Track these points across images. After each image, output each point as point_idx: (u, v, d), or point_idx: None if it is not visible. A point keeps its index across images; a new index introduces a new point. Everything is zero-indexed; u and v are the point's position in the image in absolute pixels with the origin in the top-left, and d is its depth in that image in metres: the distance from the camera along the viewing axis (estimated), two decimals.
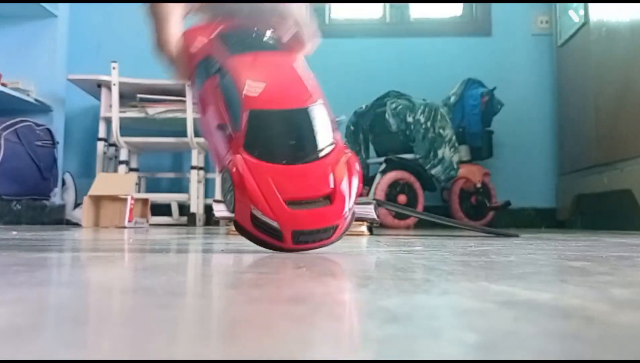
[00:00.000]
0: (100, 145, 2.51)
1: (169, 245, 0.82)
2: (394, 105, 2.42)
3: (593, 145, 2.32)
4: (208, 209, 2.60)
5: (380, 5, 3.09)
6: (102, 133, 2.52)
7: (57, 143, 2.53)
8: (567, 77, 2.65)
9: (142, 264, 0.50)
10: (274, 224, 0.55)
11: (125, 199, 1.96)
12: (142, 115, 2.50)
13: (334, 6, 3.10)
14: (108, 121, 2.50)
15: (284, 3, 0.62)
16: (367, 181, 2.59)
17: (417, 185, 2.39)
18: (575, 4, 2.50)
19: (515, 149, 2.88)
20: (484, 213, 2.59)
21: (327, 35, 3.02)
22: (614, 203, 2.22)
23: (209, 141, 0.62)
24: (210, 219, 2.66)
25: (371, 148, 2.66)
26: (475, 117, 2.54)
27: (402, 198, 2.35)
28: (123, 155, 2.48)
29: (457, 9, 3.08)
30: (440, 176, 2.37)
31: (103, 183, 2.03)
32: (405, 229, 2.20)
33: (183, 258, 0.58)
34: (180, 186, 2.85)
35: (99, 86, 2.51)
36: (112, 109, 2.46)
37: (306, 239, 0.57)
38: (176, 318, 0.23)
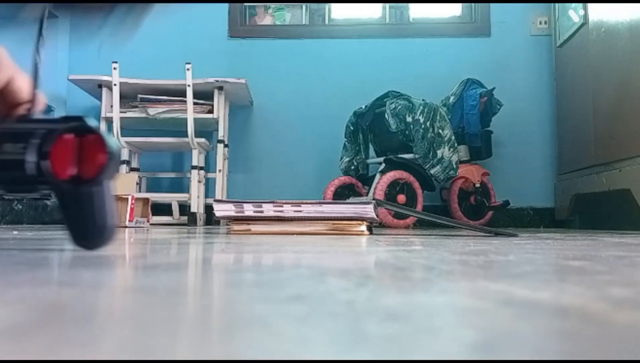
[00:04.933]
0: None
1: (170, 245, 0.82)
2: (393, 105, 2.42)
3: (592, 145, 2.32)
4: (209, 209, 2.60)
5: (380, 5, 3.09)
6: None
7: None
8: (566, 78, 2.65)
9: (143, 263, 0.51)
10: None
11: (126, 199, 1.96)
12: (142, 115, 2.51)
13: (334, 6, 3.11)
14: (109, 121, 2.50)
15: None
16: (366, 180, 2.59)
17: (416, 185, 2.39)
18: (574, 4, 2.50)
19: (514, 149, 2.89)
20: (483, 212, 2.59)
21: (327, 36, 3.02)
22: (612, 203, 2.22)
23: None
24: (210, 218, 2.66)
25: (371, 147, 2.67)
26: (474, 117, 2.54)
27: (401, 198, 2.35)
28: (124, 155, 2.49)
29: (456, 9, 3.08)
30: (440, 176, 2.37)
31: None
32: (404, 228, 2.20)
33: (184, 258, 0.58)
34: (180, 185, 2.86)
35: (100, 86, 2.51)
36: (113, 109, 2.46)
37: None
38: (177, 318, 0.24)
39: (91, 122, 0.52)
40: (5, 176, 0.51)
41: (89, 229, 0.53)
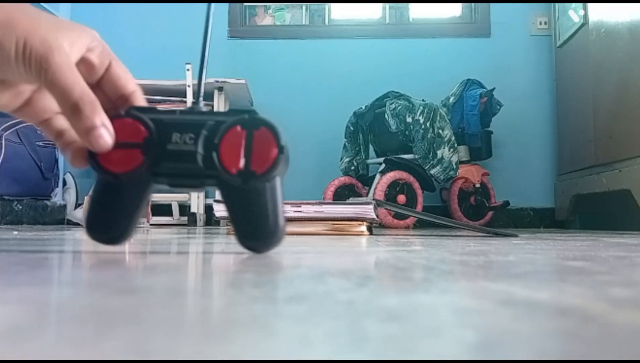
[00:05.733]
0: None
1: (170, 245, 0.82)
2: (393, 105, 2.42)
3: (592, 145, 2.32)
4: (209, 209, 2.60)
5: (380, 5, 3.09)
6: None
7: None
8: (566, 78, 2.65)
9: (143, 264, 0.51)
10: None
11: None
12: None
13: (334, 7, 3.11)
14: None
15: None
16: (366, 181, 2.59)
17: (416, 185, 2.39)
18: (574, 4, 2.50)
19: (514, 149, 2.89)
20: (483, 213, 2.59)
21: (327, 36, 3.02)
22: (612, 203, 2.22)
23: None
24: (210, 219, 2.66)
25: (371, 148, 2.67)
26: (474, 118, 2.54)
27: (401, 198, 2.35)
28: None
29: (456, 9, 3.08)
30: (440, 176, 2.37)
31: None
32: (404, 229, 2.20)
33: (183, 258, 0.58)
34: None
35: None
36: None
37: None
38: (176, 318, 0.24)
39: (261, 116, 0.49)
40: (172, 167, 0.49)
41: (259, 229, 0.49)
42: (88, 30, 0.49)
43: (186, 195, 2.51)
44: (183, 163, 0.49)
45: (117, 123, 0.49)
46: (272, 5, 3.14)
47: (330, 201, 2.25)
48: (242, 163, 0.48)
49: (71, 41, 0.46)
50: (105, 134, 0.47)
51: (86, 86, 0.46)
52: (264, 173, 0.48)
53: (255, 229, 0.49)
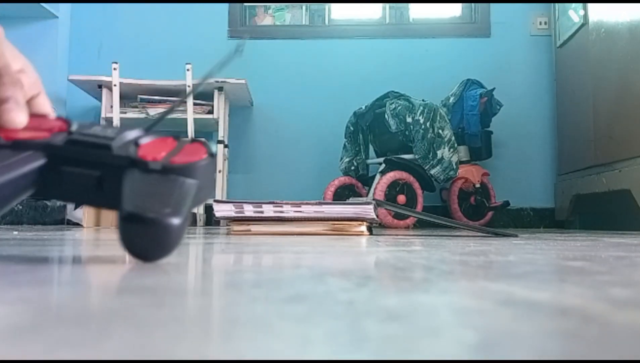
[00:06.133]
0: None
1: None
2: (393, 105, 2.42)
3: (592, 145, 2.32)
4: (208, 209, 2.60)
5: (380, 5, 3.09)
6: None
7: None
8: (566, 78, 2.65)
9: (143, 264, 0.51)
10: None
11: None
12: (142, 115, 2.51)
13: (334, 7, 3.11)
14: (109, 121, 2.50)
15: None
16: (366, 181, 2.59)
17: (416, 185, 2.39)
18: (574, 4, 2.50)
19: (514, 149, 2.88)
20: (483, 213, 2.59)
21: (327, 36, 3.02)
22: (612, 203, 2.22)
23: None
24: (210, 219, 2.66)
25: (371, 148, 2.67)
26: (474, 118, 2.54)
27: (401, 198, 2.35)
28: None
29: (456, 9, 3.08)
30: (440, 177, 2.37)
31: None
32: (404, 229, 2.20)
33: (183, 258, 0.58)
34: None
35: (100, 86, 2.51)
36: (113, 109, 2.46)
37: None
38: (177, 318, 0.24)
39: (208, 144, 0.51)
40: (78, 150, 0.47)
41: (155, 207, 0.42)
42: (28, 61, 0.53)
43: None
44: (93, 148, 0.47)
45: (39, 117, 0.51)
46: (272, 5, 3.14)
47: (330, 201, 2.25)
48: (161, 156, 0.48)
49: (12, 53, 0.50)
50: (19, 110, 0.48)
51: (10, 65, 0.48)
52: (181, 164, 0.47)
53: (151, 204, 0.43)
